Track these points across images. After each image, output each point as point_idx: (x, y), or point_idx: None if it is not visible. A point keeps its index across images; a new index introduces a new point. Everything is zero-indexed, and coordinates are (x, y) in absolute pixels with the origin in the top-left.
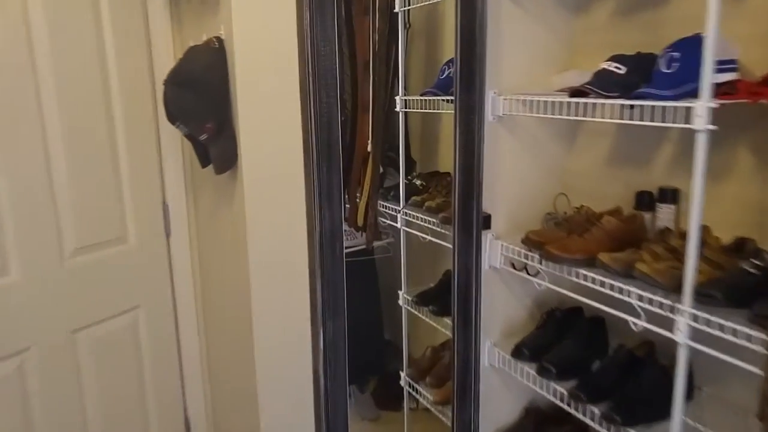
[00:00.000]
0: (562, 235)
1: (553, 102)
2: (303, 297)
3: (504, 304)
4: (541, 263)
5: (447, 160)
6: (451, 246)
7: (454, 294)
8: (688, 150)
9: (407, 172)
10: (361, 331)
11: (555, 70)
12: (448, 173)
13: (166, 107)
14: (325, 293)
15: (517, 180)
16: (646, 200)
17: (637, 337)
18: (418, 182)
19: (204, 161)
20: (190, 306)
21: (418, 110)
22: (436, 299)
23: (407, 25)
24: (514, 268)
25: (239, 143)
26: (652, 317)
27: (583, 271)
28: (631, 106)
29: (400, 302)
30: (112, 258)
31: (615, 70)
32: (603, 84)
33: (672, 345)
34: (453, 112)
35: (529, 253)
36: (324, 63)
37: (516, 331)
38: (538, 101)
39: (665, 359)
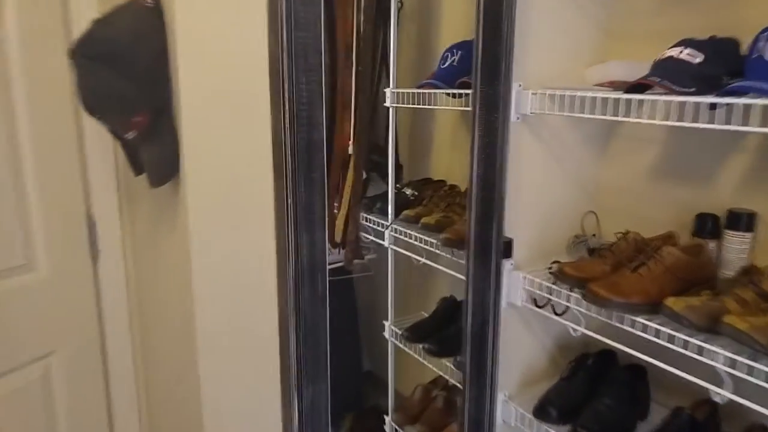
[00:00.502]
0: (605, 269)
1: (603, 99)
2: (271, 354)
3: (521, 348)
4: (581, 305)
5: (441, 165)
6: (450, 271)
7: (467, 337)
8: None
9: (395, 180)
10: (337, 361)
11: (587, 61)
12: (443, 181)
13: (78, 92)
14: (301, 349)
15: (541, 194)
16: (709, 226)
17: (685, 391)
18: (409, 192)
19: (136, 168)
20: (125, 351)
21: (412, 105)
22: (431, 334)
23: (400, 4)
24: (536, 304)
25: (181, 144)
26: (739, 384)
27: (642, 320)
28: (712, 105)
29: (387, 335)
30: (12, 292)
31: (688, 58)
32: (674, 76)
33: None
34: (453, 108)
35: (563, 290)
36: (304, 34)
37: (535, 380)
38: (581, 97)
39: (731, 426)
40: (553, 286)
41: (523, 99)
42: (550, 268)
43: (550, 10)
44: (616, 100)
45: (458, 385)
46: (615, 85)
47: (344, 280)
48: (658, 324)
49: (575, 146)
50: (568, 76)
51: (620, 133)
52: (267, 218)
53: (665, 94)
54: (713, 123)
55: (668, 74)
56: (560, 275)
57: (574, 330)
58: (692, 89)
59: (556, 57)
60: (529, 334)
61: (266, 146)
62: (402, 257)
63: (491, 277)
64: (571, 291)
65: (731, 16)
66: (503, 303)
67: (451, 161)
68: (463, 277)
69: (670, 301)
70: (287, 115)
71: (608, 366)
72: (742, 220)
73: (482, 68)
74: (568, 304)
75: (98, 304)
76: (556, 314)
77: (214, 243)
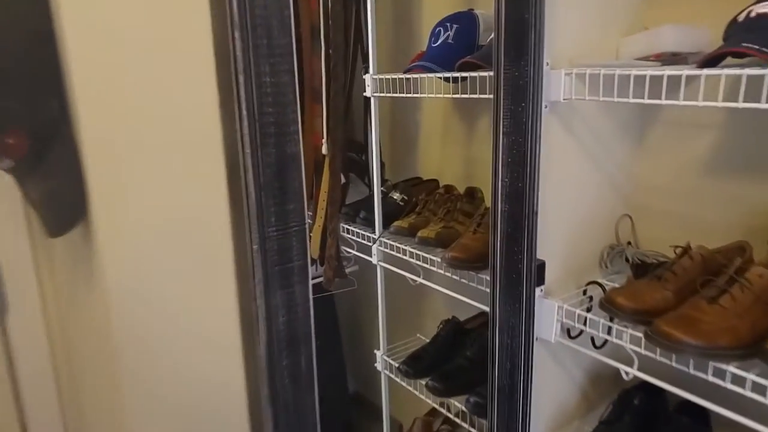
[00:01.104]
0: (667, 296)
1: (678, 77)
2: None
3: (551, 386)
4: (639, 344)
5: (430, 162)
6: (454, 294)
7: (493, 387)
8: None
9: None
10: (320, 387)
11: (621, 30)
12: (436, 181)
13: None
14: None
15: (572, 200)
16: None
17: None
18: (397, 196)
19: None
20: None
21: (398, 95)
22: (434, 367)
23: None
24: (569, 335)
25: (86, 175)
26: None
27: (735, 371)
28: None
29: (379, 367)
30: None
31: None
32: None
33: None
34: (449, 96)
35: (615, 325)
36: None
37: (566, 420)
38: (640, 77)
39: None
40: (601, 320)
41: (553, 82)
42: (585, 291)
43: None
44: (696, 78)
45: (466, 426)
46: (662, 59)
47: (324, 300)
48: (757, 375)
49: (609, 137)
50: (602, 50)
51: (661, 118)
52: (223, 274)
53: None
54: None
55: (763, 38)
56: (610, 307)
57: (626, 374)
58: None
59: (585, 25)
60: (560, 369)
61: (217, 170)
62: (391, 271)
63: (522, 310)
64: (625, 326)
65: None
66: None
67: (442, 157)
68: (466, 300)
69: None
70: (246, 123)
71: (657, 406)
72: None
73: (506, 42)
74: (621, 343)
75: (10, 368)
76: (596, 347)
77: (145, 310)
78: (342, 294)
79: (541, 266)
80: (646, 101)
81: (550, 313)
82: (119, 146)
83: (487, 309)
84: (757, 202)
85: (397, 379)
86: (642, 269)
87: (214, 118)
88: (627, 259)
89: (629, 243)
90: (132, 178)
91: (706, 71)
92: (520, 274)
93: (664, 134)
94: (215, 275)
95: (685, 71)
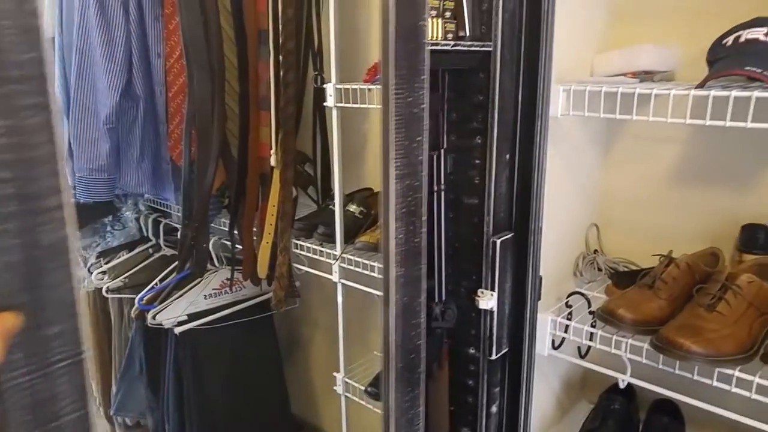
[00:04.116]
0: (662, 305)
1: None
2: None
3: (535, 397)
4: (639, 353)
5: (377, 172)
6: None
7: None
8: None
9: (324, 191)
10: (260, 413)
11: (597, 47)
12: None
13: None
14: None
15: (554, 211)
16: (762, 239)
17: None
18: (355, 208)
19: None
20: None
21: (365, 105)
22: None
23: None
24: (553, 346)
25: None
26: None
27: (739, 374)
28: None
29: (339, 390)
30: None
31: None
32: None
33: None
34: None
35: (614, 336)
36: None
37: (545, 428)
38: (645, 95)
39: None
40: (599, 331)
41: (552, 98)
42: (567, 302)
43: None
44: (702, 99)
45: None
46: (637, 76)
47: (262, 321)
48: (762, 378)
49: (583, 149)
50: (579, 68)
51: (628, 131)
52: None
53: (764, 88)
54: None
55: (764, 62)
56: (611, 318)
57: (623, 381)
58: None
59: (569, 43)
60: (542, 379)
61: None
62: (333, 289)
63: (526, 328)
64: (623, 336)
65: None
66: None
67: None
68: None
69: None
70: None
71: (632, 405)
72: None
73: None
74: (620, 353)
75: None
76: (581, 356)
77: None
78: (280, 313)
79: (540, 281)
80: (651, 119)
81: (542, 327)
82: None
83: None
84: (719, 211)
85: (363, 402)
86: (623, 278)
87: None
88: (598, 268)
89: (596, 251)
90: None
91: (713, 92)
92: (524, 291)
93: (632, 146)
94: None
95: (702, 92)
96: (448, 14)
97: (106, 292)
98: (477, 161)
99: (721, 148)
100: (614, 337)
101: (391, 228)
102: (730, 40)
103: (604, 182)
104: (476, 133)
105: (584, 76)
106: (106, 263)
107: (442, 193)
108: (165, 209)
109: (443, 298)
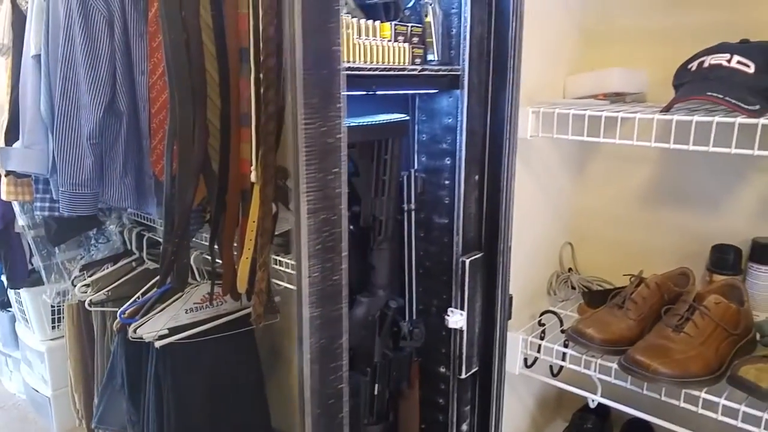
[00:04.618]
0: (630, 325)
1: (646, 120)
2: None
3: (509, 416)
4: (609, 373)
5: None
6: None
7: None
8: None
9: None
10: (240, 427)
11: (568, 69)
12: None
13: None
14: None
15: (525, 230)
16: (731, 259)
17: None
18: None
19: None
20: None
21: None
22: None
23: None
24: (526, 364)
25: None
26: None
27: (705, 396)
28: None
29: None
30: None
31: (741, 67)
32: (732, 90)
33: None
34: None
35: (583, 356)
36: None
37: None
38: (611, 118)
39: None
40: (570, 351)
41: (520, 119)
42: (540, 320)
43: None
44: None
45: None
46: (608, 98)
47: (241, 335)
48: (727, 399)
49: (555, 169)
50: (550, 89)
51: (601, 151)
52: None
53: (727, 113)
54: None
55: (726, 88)
56: (580, 338)
57: (593, 402)
58: (757, 106)
59: (539, 65)
60: (515, 397)
61: None
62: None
63: (495, 347)
64: (593, 356)
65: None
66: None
67: None
68: None
69: (750, 374)
70: None
71: (606, 425)
72: None
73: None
74: (589, 372)
75: None
76: (554, 375)
77: None
78: (261, 327)
79: (510, 300)
80: (618, 141)
81: (514, 345)
82: None
83: None
84: (688, 230)
85: None
86: (595, 297)
87: None
88: (572, 286)
89: (570, 269)
90: None
91: (676, 117)
92: (493, 310)
93: (604, 167)
94: None
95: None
96: (416, 39)
97: (89, 305)
98: (446, 182)
99: (692, 168)
100: (584, 357)
101: (303, 266)
102: (694, 65)
103: (579, 201)
104: (446, 155)
105: (557, 97)
106: (90, 276)
107: (413, 213)
108: (149, 223)
109: (413, 316)
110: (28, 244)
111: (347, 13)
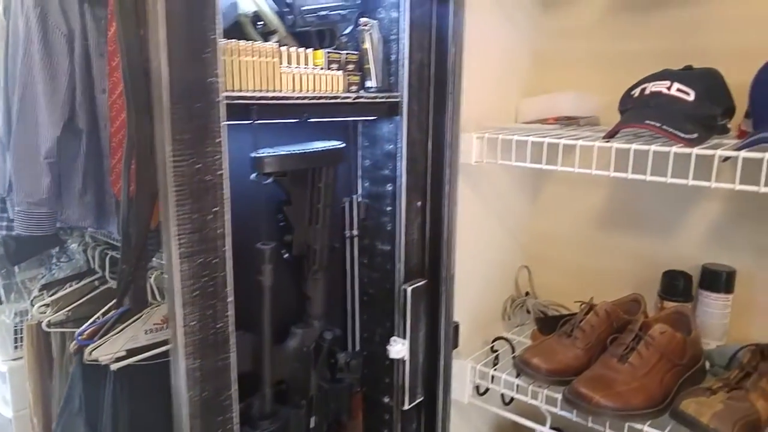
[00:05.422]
0: (578, 354)
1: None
2: None
3: None
4: (556, 404)
5: None
6: None
7: None
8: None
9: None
10: None
11: (520, 91)
12: None
13: None
14: None
15: (477, 255)
16: (681, 286)
17: None
18: None
19: None
20: None
21: None
22: None
23: None
24: (478, 392)
25: None
26: None
27: (647, 429)
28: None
29: None
30: None
31: (680, 95)
32: (670, 118)
33: None
34: None
35: (530, 386)
36: None
37: None
38: (553, 144)
39: None
40: (516, 381)
41: (464, 145)
42: (493, 347)
43: (480, 21)
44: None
45: None
46: (560, 121)
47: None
48: None
49: (508, 193)
50: (502, 111)
51: (553, 174)
52: None
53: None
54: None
55: (665, 116)
56: (526, 368)
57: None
58: (694, 135)
59: (488, 88)
60: (471, 428)
61: None
62: None
63: (440, 376)
64: (539, 386)
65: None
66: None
67: None
68: None
69: (690, 407)
70: None
71: None
72: (722, 279)
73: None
74: (537, 403)
75: None
76: (505, 404)
77: None
78: None
79: (456, 329)
80: (560, 168)
81: (462, 373)
82: None
83: None
84: (639, 254)
85: None
86: (547, 323)
87: None
88: (528, 311)
89: (527, 293)
90: None
91: (616, 144)
92: (436, 339)
93: (557, 191)
94: None
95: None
96: (351, 66)
97: (48, 326)
98: (389, 208)
99: (644, 193)
100: (530, 387)
101: (177, 315)
102: (637, 91)
103: (535, 224)
104: (387, 181)
105: (509, 121)
106: (51, 296)
107: (355, 239)
108: (112, 241)
109: (356, 345)
110: None
111: (277, 41)
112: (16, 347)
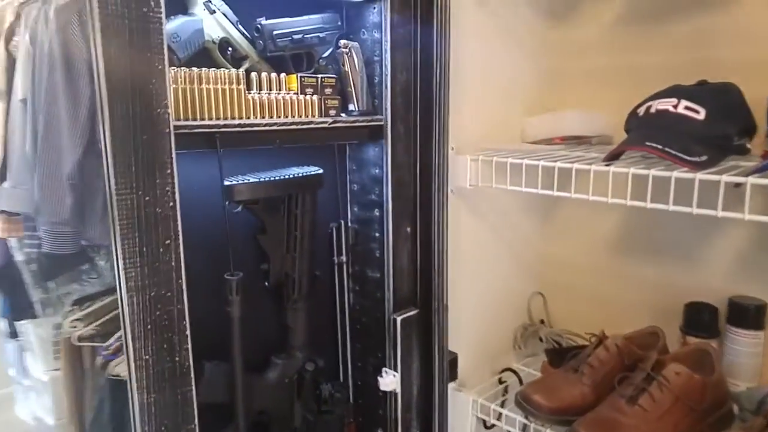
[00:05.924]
0: (585, 392)
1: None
2: None
3: None
4: None
5: None
6: None
7: None
8: None
9: None
10: None
11: (520, 111)
12: None
13: None
14: None
15: (482, 281)
16: (706, 320)
17: None
18: None
19: None
20: None
21: None
22: None
23: None
24: (485, 426)
25: None
26: None
27: None
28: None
29: None
30: None
31: (689, 113)
32: (676, 139)
33: None
34: None
35: (533, 424)
36: None
37: None
38: (549, 168)
39: None
40: (518, 417)
41: (459, 167)
42: (501, 378)
43: (482, 38)
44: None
45: None
46: (567, 141)
47: None
48: None
49: (516, 217)
50: (506, 130)
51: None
52: None
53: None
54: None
55: (669, 137)
56: (527, 405)
57: None
58: (704, 157)
59: (489, 106)
60: None
61: None
62: None
63: (435, 411)
64: (542, 425)
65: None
66: None
67: None
68: None
69: None
70: None
71: None
72: (750, 314)
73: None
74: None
75: None
76: None
77: None
78: None
79: (454, 360)
80: (555, 193)
81: (464, 407)
82: None
83: None
84: (665, 285)
85: None
86: (557, 355)
87: None
88: (541, 339)
89: (542, 321)
90: None
91: (613, 169)
92: (431, 372)
93: (572, 213)
94: None
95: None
96: (328, 90)
97: (78, 339)
98: (377, 234)
99: (662, 217)
100: (533, 425)
101: (129, 348)
102: (642, 110)
103: (547, 249)
104: (375, 206)
105: (513, 140)
106: (82, 311)
107: (344, 266)
108: None
109: (349, 375)
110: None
111: (248, 67)
112: (56, 358)
